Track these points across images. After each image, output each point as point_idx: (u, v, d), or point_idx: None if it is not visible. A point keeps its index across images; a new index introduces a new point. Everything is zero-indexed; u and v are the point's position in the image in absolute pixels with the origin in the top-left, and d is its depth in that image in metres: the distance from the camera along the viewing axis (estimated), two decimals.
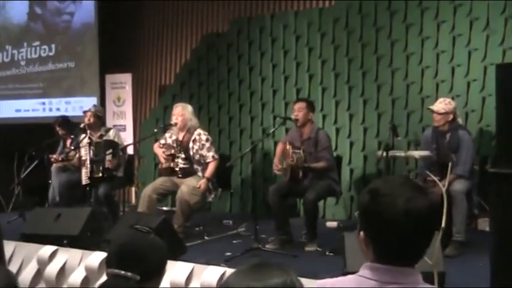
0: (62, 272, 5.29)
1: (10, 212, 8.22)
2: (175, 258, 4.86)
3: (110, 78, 9.47)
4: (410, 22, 7.26)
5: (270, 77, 8.23)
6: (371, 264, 1.72)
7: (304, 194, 5.98)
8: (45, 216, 6.06)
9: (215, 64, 8.71)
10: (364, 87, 7.54)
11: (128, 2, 9.54)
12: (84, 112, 7.50)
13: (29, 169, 7.75)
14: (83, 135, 7.23)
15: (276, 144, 7.14)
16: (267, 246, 5.86)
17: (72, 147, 7.38)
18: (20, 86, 10.10)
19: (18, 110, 10.12)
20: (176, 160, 6.64)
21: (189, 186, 6.39)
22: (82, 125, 7.27)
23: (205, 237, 6.53)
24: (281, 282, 1.53)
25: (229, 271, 3.95)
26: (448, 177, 5.09)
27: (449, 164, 5.28)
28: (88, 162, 7.01)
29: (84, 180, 7.07)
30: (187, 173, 6.60)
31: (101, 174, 6.93)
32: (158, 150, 6.79)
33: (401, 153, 5.95)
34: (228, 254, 5.64)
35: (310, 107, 6.32)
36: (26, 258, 5.57)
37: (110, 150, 6.95)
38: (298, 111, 6.21)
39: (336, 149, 7.37)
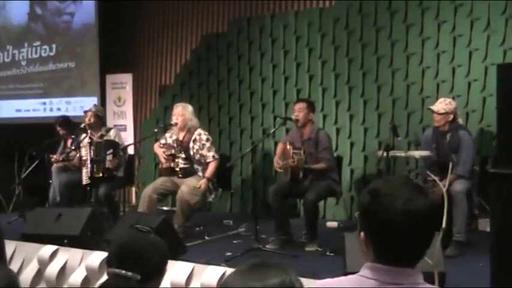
0: (63, 271, 5.29)
1: (11, 212, 8.22)
2: (176, 258, 4.87)
3: (110, 78, 9.47)
4: (410, 22, 7.27)
5: (270, 77, 8.23)
6: (371, 264, 1.72)
7: (304, 194, 5.98)
8: (46, 216, 6.07)
9: (215, 64, 8.71)
10: (365, 87, 7.54)
11: (128, 2, 9.54)
12: (85, 112, 7.50)
13: (30, 169, 7.75)
14: (84, 135, 7.23)
15: (276, 144, 7.14)
16: (267, 246, 5.86)
17: (73, 147, 7.38)
18: (21, 86, 10.11)
19: (18, 110, 10.13)
20: (176, 160, 6.64)
21: (190, 186, 6.39)
22: (83, 125, 7.27)
23: (206, 237, 6.53)
24: (280, 282, 1.53)
25: (230, 271, 3.95)
26: (449, 177, 5.09)
27: (450, 164, 5.29)
28: (88, 162, 7.01)
29: (85, 180, 7.07)
30: (188, 173, 6.60)
31: (101, 174, 6.93)
32: (158, 150, 6.79)
33: (402, 154, 5.95)
34: (229, 254, 5.64)
35: (311, 107, 6.32)
36: (27, 258, 5.57)
37: (111, 150, 6.95)
38: (298, 111, 6.21)
39: (336, 149, 7.37)
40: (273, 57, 8.23)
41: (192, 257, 5.17)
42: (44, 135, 8.01)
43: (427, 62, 7.15)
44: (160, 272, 2.30)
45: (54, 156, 7.54)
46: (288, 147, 6.07)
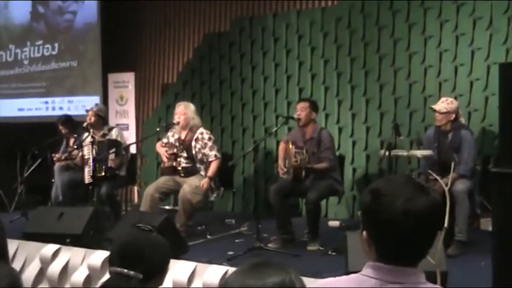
0: (65, 270, 5.30)
1: (13, 211, 8.22)
2: (178, 257, 4.87)
3: (112, 77, 9.48)
4: (413, 21, 7.26)
5: (273, 76, 8.23)
6: (373, 263, 1.72)
7: (306, 194, 5.98)
8: (48, 215, 6.07)
9: (217, 63, 8.71)
10: (367, 86, 7.54)
11: (130, 1, 9.54)
12: (87, 111, 7.51)
13: (32, 168, 7.76)
14: (86, 134, 7.23)
15: (278, 143, 7.14)
16: (269, 245, 5.86)
17: (75, 146, 7.38)
18: (23, 85, 10.12)
19: (21, 109, 10.13)
20: (178, 159, 6.64)
21: (192, 185, 6.39)
22: (85, 124, 7.27)
23: (208, 236, 6.53)
24: (280, 281, 1.53)
25: (232, 270, 3.95)
26: (451, 177, 5.09)
27: (452, 163, 5.28)
28: (91, 161, 7.01)
29: (87, 179, 7.08)
30: (190, 172, 6.61)
31: (103, 173, 6.93)
32: (160, 149, 6.80)
33: (404, 153, 5.95)
34: (230, 253, 5.64)
35: (313, 106, 6.32)
36: (29, 257, 5.58)
37: (113, 150, 6.95)
38: (301, 110, 6.21)
39: (338, 148, 7.38)
40: (275, 56, 8.23)
41: (194, 256, 5.17)
42: (46, 134, 8.01)
43: (430, 61, 7.14)
44: (162, 271, 2.30)
45: (57, 155, 7.56)
46: (290, 146, 6.07)
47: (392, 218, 1.65)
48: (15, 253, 5.59)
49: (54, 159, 7.53)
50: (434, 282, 3.62)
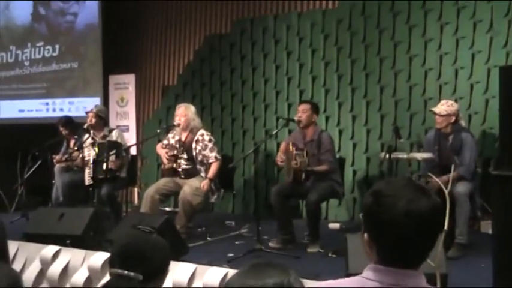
0: (65, 272, 5.29)
1: (13, 212, 8.23)
2: (178, 258, 4.87)
3: (113, 78, 9.49)
4: (413, 24, 7.26)
5: (273, 78, 8.24)
6: (374, 265, 1.72)
7: (306, 195, 5.98)
8: (48, 216, 6.07)
9: (218, 65, 8.72)
10: (367, 88, 7.55)
11: (131, 2, 9.55)
12: (86, 113, 7.51)
13: (32, 169, 7.76)
14: (86, 136, 7.24)
15: (278, 145, 7.15)
16: (269, 245, 5.86)
17: (76, 148, 7.38)
18: (24, 86, 10.12)
19: (21, 110, 10.14)
20: (179, 161, 6.64)
21: (192, 187, 6.39)
22: (85, 126, 7.28)
23: (208, 238, 6.54)
24: (279, 282, 1.53)
25: (232, 272, 3.96)
26: (451, 178, 5.09)
27: (452, 166, 5.28)
28: (91, 162, 7.02)
29: (87, 180, 7.08)
30: (190, 173, 6.61)
31: (104, 175, 6.93)
32: (161, 150, 6.80)
33: (404, 155, 5.95)
34: (231, 254, 5.64)
35: (315, 109, 6.33)
36: (29, 258, 5.57)
37: (113, 151, 6.95)
38: (302, 112, 6.22)
39: (338, 150, 7.38)
40: (276, 58, 8.24)
41: (194, 258, 5.17)
42: (46, 135, 8.02)
43: (430, 63, 7.14)
44: (162, 272, 2.30)
45: (57, 157, 7.56)
46: (291, 148, 6.07)
47: (394, 219, 1.65)
48: (15, 254, 5.58)
49: (55, 160, 7.53)
50: (435, 285, 3.62)
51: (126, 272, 2.19)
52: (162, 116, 9.06)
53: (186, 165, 6.64)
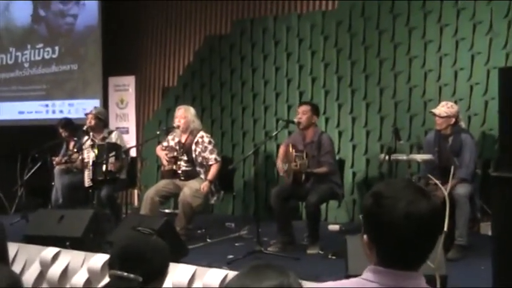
0: (65, 273, 5.29)
1: (13, 214, 8.23)
2: (178, 260, 4.87)
3: (113, 80, 9.49)
4: (413, 25, 7.27)
5: (273, 80, 8.24)
6: (374, 267, 1.72)
7: (306, 197, 5.98)
8: (48, 218, 6.07)
9: (218, 66, 8.72)
10: (367, 90, 7.55)
11: (131, 4, 9.55)
12: (86, 115, 7.51)
13: (32, 171, 7.75)
14: (86, 138, 7.24)
15: (278, 147, 7.15)
16: (269, 249, 5.86)
17: (75, 150, 7.38)
18: (23, 88, 10.12)
19: (21, 112, 10.14)
20: (179, 162, 6.65)
21: (192, 189, 6.39)
22: (85, 128, 7.28)
23: (208, 240, 6.53)
24: (277, 283, 1.53)
25: (232, 274, 3.96)
26: (451, 181, 5.09)
27: (452, 167, 5.28)
28: (91, 164, 7.02)
29: (87, 182, 7.08)
30: (190, 175, 6.61)
31: (103, 177, 6.93)
32: (161, 152, 6.80)
33: (404, 157, 5.95)
34: (230, 256, 5.64)
35: (315, 110, 6.32)
36: (29, 259, 5.57)
37: (113, 153, 6.95)
38: (302, 114, 6.21)
39: (338, 152, 7.38)
40: (276, 60, 8.24)
41: (194, 260, 5.16)
42: (46, 137, 8.01)
43: (430, 65, 7.15)
44: (162, 273, 2.30)
45: (57, 159, 7.55)
46: (291, 150, 6.07)
47: (394, 221, 1.65)
48: (15, 256, 5.58)
49: (54, 162, 7.53)
50: (434, 286, 3.62)
51: (125, 273, 2.20)
52: (162, 117, 9.06)
53: (186, 167, 6.65)
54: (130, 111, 9.43)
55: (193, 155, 6.61)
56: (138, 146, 8.74)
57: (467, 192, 5.53)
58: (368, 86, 7.54)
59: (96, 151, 7.04)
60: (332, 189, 6.17)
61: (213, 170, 6.55)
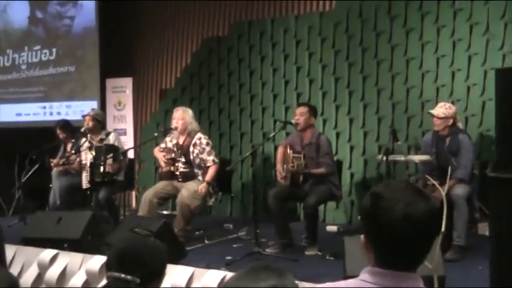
0: (63, 275, 5.29)
1: (11, 216, 8.22)
2: (176, 262, 4.87)
3: (110, 82, 9.49)
4: (410, 27, 7.28)
5: (271, 81, 8.24)
6: (371, 268, 1.72)
7: (304, 198, 5.98)
8: (46, 220, 6.07)
9: (216, 68, 8.73)
10: (365, 91, 7.56)
11: (129, 6, 9.56)
12: (83, 116, 7.51)
13: (30, 173, 7.75)
14: (84, 139, 7.24)
15: (276, 148, 7.15)
16: (267, 250, 5.86)
17: (73, 152, 7.38)
18: (21, 90, 10.12)
19: (19, 114, 10.13)
20: (176, 164, 6.64)
21: (190, 190, 6.39)
22: (82, 129, 7.28)
23: (206, 241, 6.53)
24: (272, 284, 1.54)
25: (230, 275, 3.97)
26: (448, 182, 5.10)
27: (449, 168, 5.29)
28: (88, 166, 7.02)
29: (85, 184, 7.08)
30: (188, 177, 6.61)
31: (101, 178, 6.93)
32: (159, 154, 6.80)
33: (402, 158, 5.96)
34: (229, 258, 5.64)
35: (312, 112, 6.31)
36: (27, 262, 5.57)
37: (111, 155, 6.95)
38: (300, 115, 6.21)
39: (336, 153, 7.38)
40: (274, 61, 8.24)
41: (192, 261, 5.17)
42: (44, 139, 8.01)
43: (427, 66, 7.16)
44: (160, 274, 2.31)
45: (54, 161, 7.55)
46: (289, 151, 6.07)
47: (392, 222, 1.65)
48: (13, 258, 5.59)
49: (52, 164, 7.52)
50: (432, 287, 3.63)
51: (123, 275, 2.20)
52: (160, 119, 9.06)
53: (184, 168, 6.64)
54: (128, 113, 9.43)
55: (191, 157, 6.62)
56: (135, 147, 8.74)
57: (465, 193, 5.54)
58: (365, 87, 7.55)
59: (93, 153, 7.04)
60: (330, 191, 6.17)
61: (211, 172, 6.55)
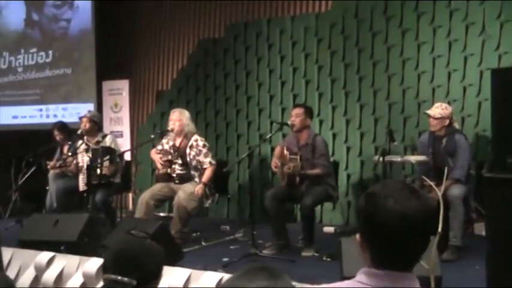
0: (60, 278, 5.28)
1: (7, 219, 8.21)
2: (173, 264, 4.86)
3: (107, 84, 9.48)
4: (406, 27, 7.29)
5: (267, 83, 8.25)
6: (367, 269, 1.72)
7: (301, 199, 5.98)
8: (43, 223, 6.05)
9: (212, 69, 8.73)
10: (361, 92, 7.56)
11: (125, 8, 9.55)
12: (80, 118, 7.50)
13: (27, 175, 7.74)
14: (80, 142, 7.23)
15: (273, 149, 7.15)
16: (264, 251, 5.86)
17: (70, 154, 7.37)
18: (17, 92, 10.11)
19: (15, 117, 10.12)
20: (173, 166, 6.64)
21: (186, 192, 6.39)
22: (79, 131, 7.27)
23: (203, 243, 6.53)
24: (261, 285, 1.54)
25: (227, 277, 3.96)
26: (445, 183, 5.10)
27: (446, 168, 5.29)
28: (85, 168, 7.01)
29: (82, 186, 7.07)
30: (184, 178, 6.60)
31: (98, 181, 6.92)
32: (155, 156, 6.79)
33: (398, 158, 5.96)
34: (226, 259, 5.64)
35: (308, 113, 6.31)
36: (24, 264, 5.56)
37: (107, 157, 6.95)
38: (295, 116, 6.21)
39: (332, 154, 7.39)
40: (270, 63, 8.25)
41: (189, 263, 5.17)
42: (40, 141, 8.00)
43: (423, 66, 7.17)
44: (156, 276, 2.30)
45: (51, 163, 7.54)
46: (285, 152, 6.07)
47: (388, 221, 1.65)
48: (9, 261, 5.57)
49: (49, 166, 7.51)
50: (429, 287, 3.63)
51: (119, 277, 2.20)
52: (156, 121, 9.06)
53: (181, 170, 6.64)
54: (125, 115, 9.43)
55: (188, 159, 6.61)
56: (132, 149, 8.74)
57: (462, 193, 5.54)
58: (362, 88, 7.56)
59: (90, 155, 7.03)
60: (327, 191, 6.17)
61: (208, 173, 6.55)
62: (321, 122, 7.74)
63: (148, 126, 9.13)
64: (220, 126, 8.59)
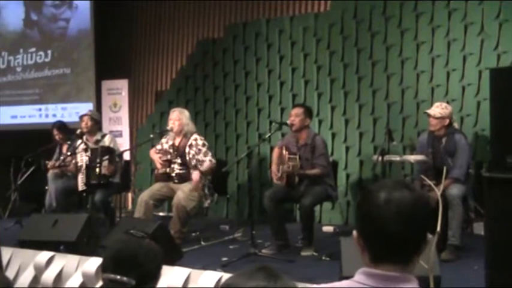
0: (59, 278, 5.28)
1: (7, 219, 8.20)
2: (172, 263, 4.87)
3: (106, 84, 9.48)
4: (405, 27, 7.29)
5: (266, 83, 8.25)
6: (365, 269, 1.72)
7: (300, 199, 5.99)
8: (42, 223, 6.06)
9: (211, 70, 8.73)
10: (360, 92, 7.57)
11: (124, 8, 9.56)
12: (81, 117, 7.50)
13: (26, 175, 7.74)
14: (79, 141, 7.23)
15: (272, 149, 7.15)
16: (263, 251, 5.85)
17: (69, 153, 7.37)
18: (16, 92, 10.11)
19: (14, 116, 10.12)
20: (172, 166, 6.64)
21: (186, 192, 6.38)
22: (78, 131, 7.27)
23: (202, 243, 6.53)
24: (258, 285, 1.55)
25: (226, 276, 3.96)
26: (444, 182, 5.11)
27: (445, 168, 5.30)
28: (84, 168, 7.01)
29: (81, 186, 7.07)
30: (184, 178, 6.60)
31: (97, 180, 6.92)
32: (154, 155, 6.79)
33: (397, 158, 5.97)
34: (225, 259, 5.64)
35: (308, 113, 6.31)
36: (23, 264, 5.56)
37: (106, 156, 6.95)
38: (295, 116, 6.21)
39: (331, 154, 7.39)
40: (269, 63, 8.25)
41: (189, 263, 5.17)
42: (39, 141, 8.00)
43: (422, 66, 7.17)
44: (155, 276, 2.31)
45: (50, 163, 7.54)
46: (284, 152, 6.07)
47: (380, 212, 1.66)
48: (9, 261, 5.57)
49: (48, 166, 7.52)
50: (428, 287, 3.63)
51: (118, 277, 2.20)
52: (156, 121, 9.06)
53: (180, 170, 6.64)
54: (124, 114, 9.43)
55: (187, 158, 6.61)
56: (131, 149, 8.74)
57: (461, 193, 5.55)
58: (361, 88, 7.56)
59: (89, 155, 7.03)
60: (326, 191, 6.17)
61: (207, 164, 6.50)
62: (320, 122, 7.75)
63: (147, 126, 9.13)
64: (219, 126, 8.60)
